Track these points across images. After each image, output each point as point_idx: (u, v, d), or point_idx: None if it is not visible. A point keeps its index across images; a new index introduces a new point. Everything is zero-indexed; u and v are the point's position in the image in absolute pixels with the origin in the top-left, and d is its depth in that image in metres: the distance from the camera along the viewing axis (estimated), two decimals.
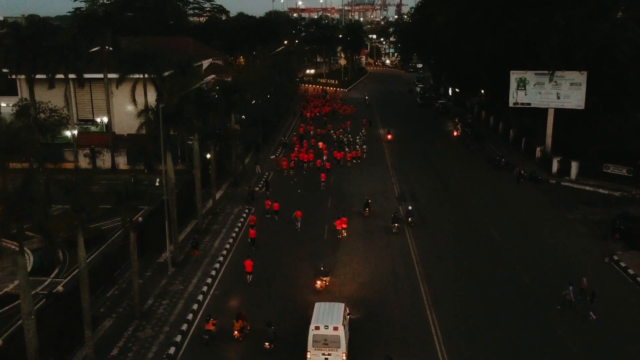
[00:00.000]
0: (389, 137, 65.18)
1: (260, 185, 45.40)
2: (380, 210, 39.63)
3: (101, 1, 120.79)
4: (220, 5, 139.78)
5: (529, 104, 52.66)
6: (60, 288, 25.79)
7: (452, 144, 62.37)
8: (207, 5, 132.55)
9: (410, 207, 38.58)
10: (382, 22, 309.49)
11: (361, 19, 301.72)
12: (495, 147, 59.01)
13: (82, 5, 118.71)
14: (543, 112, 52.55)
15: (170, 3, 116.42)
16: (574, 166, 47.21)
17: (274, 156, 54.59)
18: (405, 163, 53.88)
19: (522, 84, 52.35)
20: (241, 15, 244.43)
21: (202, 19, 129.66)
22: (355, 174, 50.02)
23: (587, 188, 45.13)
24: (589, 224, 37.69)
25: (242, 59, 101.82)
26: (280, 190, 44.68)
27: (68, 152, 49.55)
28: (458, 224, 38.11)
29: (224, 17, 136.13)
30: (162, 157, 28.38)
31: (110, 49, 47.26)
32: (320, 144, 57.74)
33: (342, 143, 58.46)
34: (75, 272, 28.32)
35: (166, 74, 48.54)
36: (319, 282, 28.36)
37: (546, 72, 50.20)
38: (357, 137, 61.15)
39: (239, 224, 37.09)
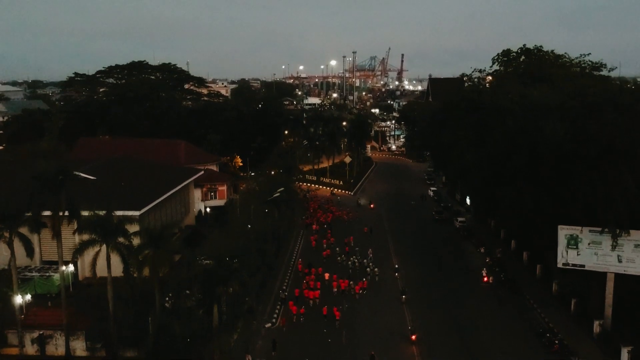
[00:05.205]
0: (372, 206, 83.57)
1: None
2: None
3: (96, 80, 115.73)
4: (218, 92, 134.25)
5: (583, 265, 43.25)
6: None
7: (481, 294, 51.70)
8: (204, 91, 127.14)
9: (396, 265, 55.21)
10: (383, 89, 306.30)
11: (364, 91, 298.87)
12: (536, 302, 48.87)
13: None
14: (599, 273, 43.09)
15: (166, 92, 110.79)
16: None
17: (269, 324, 44.65)
18: (429, 328, 43.94)
19: (573, 242, 43.03)
20: (242, 81, 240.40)
21: (202, 95, 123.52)
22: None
23: None
24: None
25: (238, 159, 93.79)
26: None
27: (12, 334, 39.93)
28: None
29: (220, 100, 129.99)
30: None
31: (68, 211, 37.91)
32: (327, 275, 52.47)
33: (349, 269, 55.31)
34: None
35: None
36: None
37: (605, 230, 40.99)
38: (365, 260, 57.63)
39: None
